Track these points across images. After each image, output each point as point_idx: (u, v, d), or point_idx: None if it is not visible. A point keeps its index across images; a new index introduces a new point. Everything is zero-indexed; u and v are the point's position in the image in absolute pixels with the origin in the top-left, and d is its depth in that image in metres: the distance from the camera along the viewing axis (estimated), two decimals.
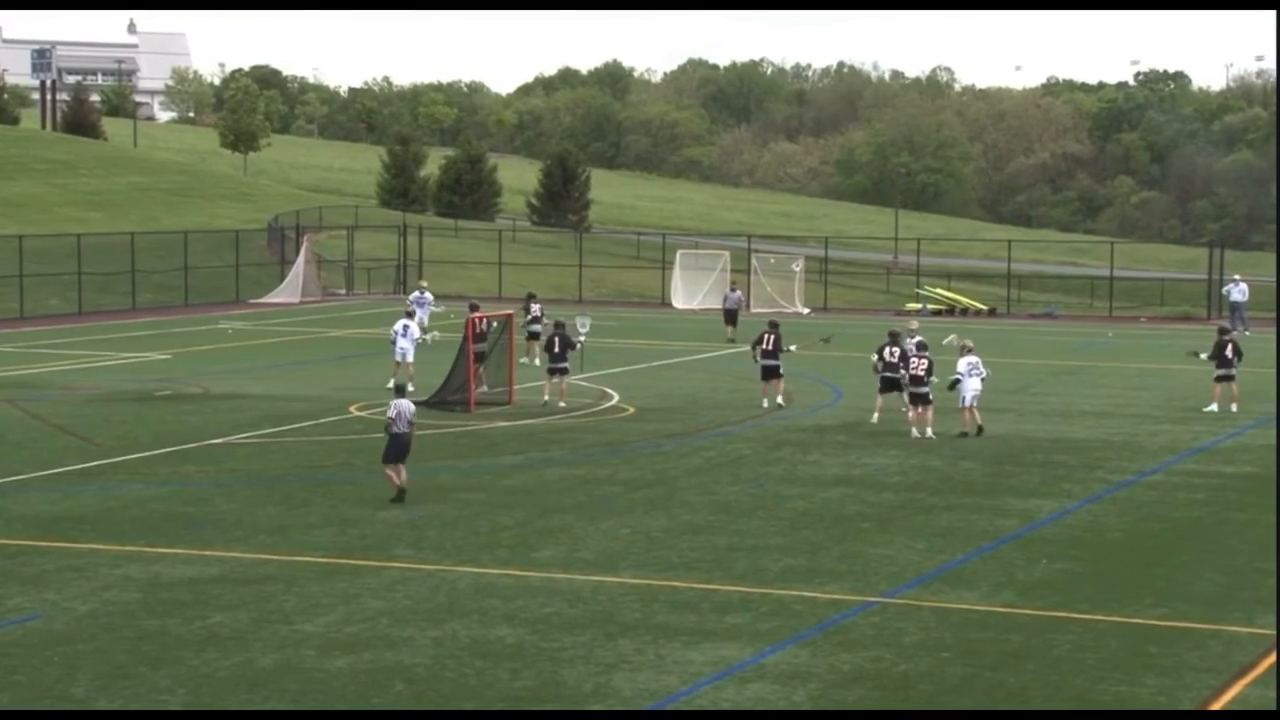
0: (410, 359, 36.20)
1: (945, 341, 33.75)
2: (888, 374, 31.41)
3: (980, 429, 30.13)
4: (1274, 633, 17.08)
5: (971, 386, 30.26)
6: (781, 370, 33.92)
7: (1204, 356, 34.57)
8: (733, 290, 52.65)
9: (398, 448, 23.78)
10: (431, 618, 17.42)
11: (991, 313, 63.51)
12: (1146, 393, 37.68)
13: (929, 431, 29.85)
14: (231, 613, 17.52)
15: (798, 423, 32.01)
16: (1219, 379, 34.02)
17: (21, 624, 17.05)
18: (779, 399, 33.59)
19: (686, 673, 15.61)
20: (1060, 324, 59.42)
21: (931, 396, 29.99)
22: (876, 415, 31.44)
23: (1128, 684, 15.41)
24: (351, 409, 33.15)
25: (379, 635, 16.75)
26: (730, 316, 50.55)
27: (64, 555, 20.14)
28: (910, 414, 30.30)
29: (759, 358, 33.88)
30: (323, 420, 31.70)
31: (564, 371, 33.96)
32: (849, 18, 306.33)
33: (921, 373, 30.06)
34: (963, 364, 30.42)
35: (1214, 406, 33.66)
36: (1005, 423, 31.89)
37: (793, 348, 34.60)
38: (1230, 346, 33.94)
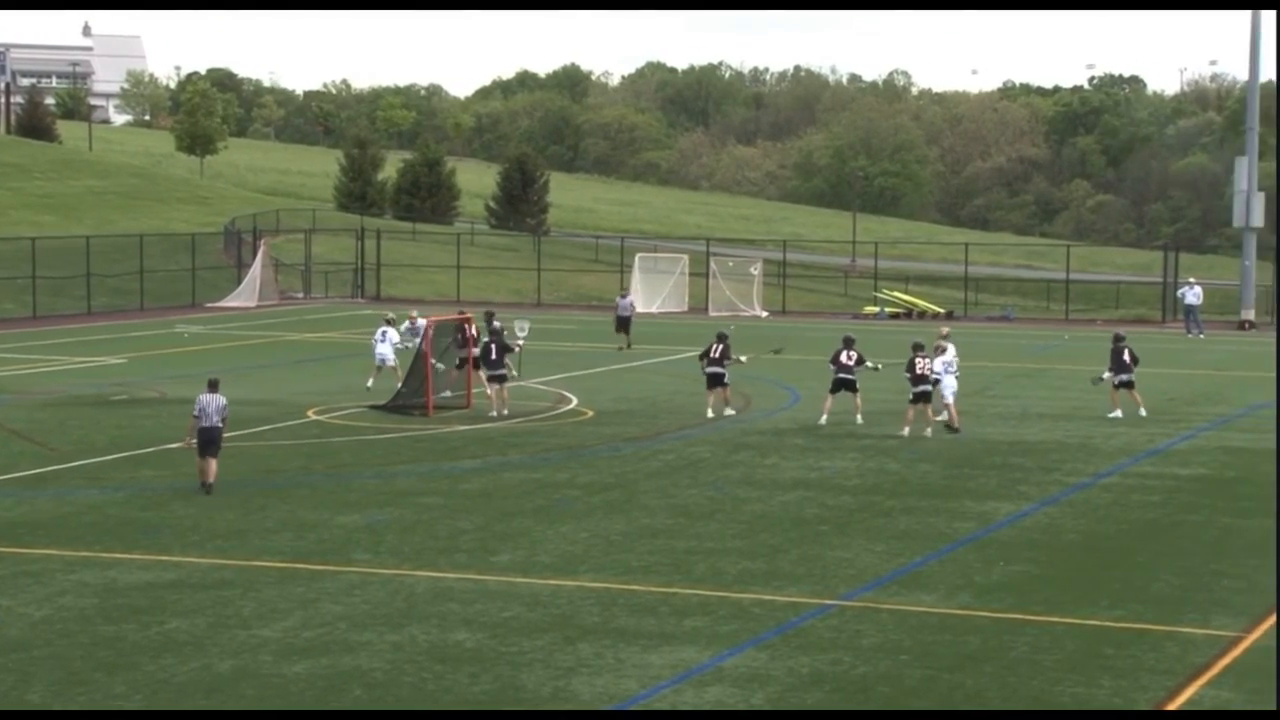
0: (392, 363, 36.49)
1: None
2: (842, 375, 31.78)
3: (954, 428, 30.84)
4: (1230, 634, 17.21)
5: (950, 384, 31.08)
6: (727, 380, 33.30)
7: (1106, 375, 34.22)
8: (624, 297, 49.43)
9: (205, 442, 24.52)
10: (390, 622, 17.37)
11: (949, 315, 63.77)
12: (1102, 395, 37.88)
13: (929, 430, 30.74)
14: (188, 618, 17.43)
15: (756, 426, 32.06)
16: (1119, 385, 33.85)
17: None
18: (727, 409, 33.05)
19: (645, 676, 15.62)
20: (1017, 327, 59.73)
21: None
22: (825, 417, 31.60)
23: (1084, 685, 15.49)
24: (309, 413, 33.03)
25: (337, 640, 16.69)
26: (622, 324, 47.69)
27: (18, 561, 19.99)
28: (910, 412, 30.99)
29: (706, 367, 33.40)
30: (280, 424, 31.57)
31: (502, 379, 33.31)
32: (807, 23, 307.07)
33: (928, 371, 30.87)
34: (938, 363, 31.00)
35: (1118, 413, 33.49)
36: (963, 425, 31.99)
37: (743, 359, 34.38)
38: (1127, 353, 34.02)
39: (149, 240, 64.23)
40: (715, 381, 33.15)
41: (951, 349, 31.90)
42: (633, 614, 17.85)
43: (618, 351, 45.45)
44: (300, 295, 67.78)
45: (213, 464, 24.55)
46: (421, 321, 37.30)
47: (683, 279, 66.31)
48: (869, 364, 32.34)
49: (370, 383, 36.17)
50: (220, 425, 24.63)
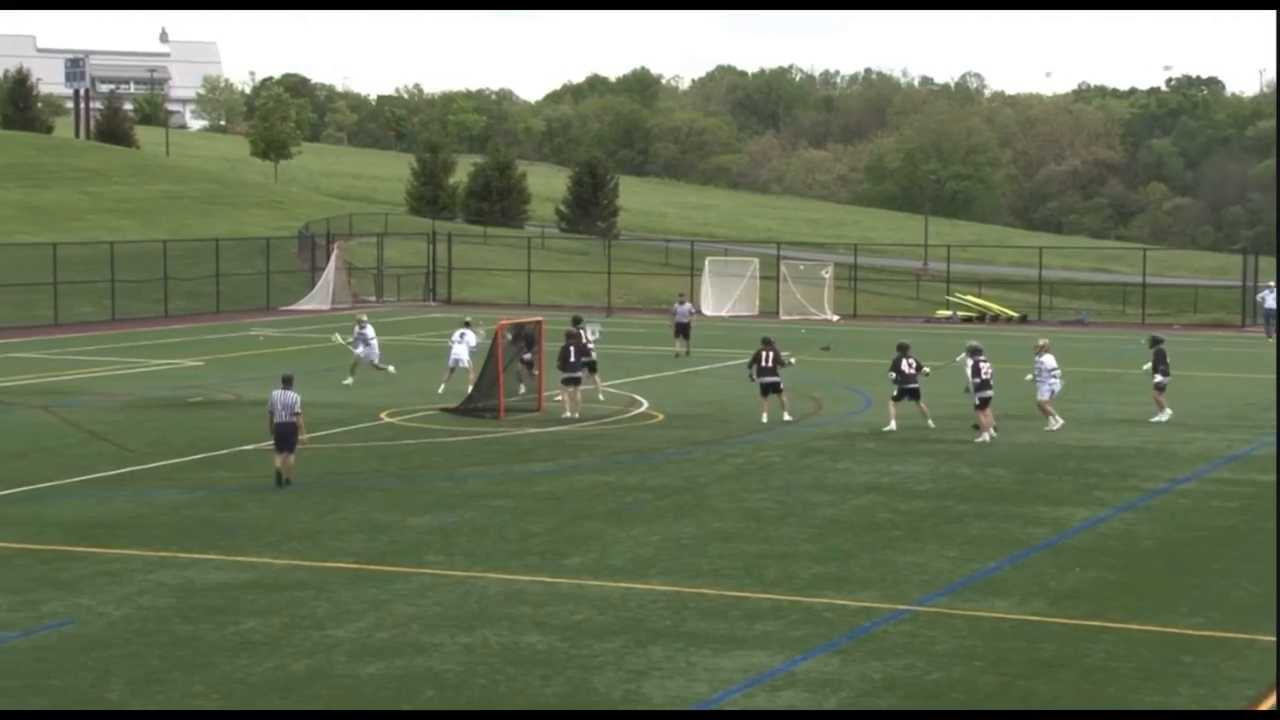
0: (466, 364, 36.67)
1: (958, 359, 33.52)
2: (907, 385, 31.61)
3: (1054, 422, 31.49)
4: None
5: (1048, 388, 31.72)
6: (782, 385, 33.12)
7: (1147, 368, 34.13)
8: (681, 303, 47.72)
9: (279, 437, 25.22)
10: (462, 624, 17.44)
11: (1022, 320, 63.32)
12: (1180, 400, 37.46)
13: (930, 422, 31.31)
14: (264, 618, 17.58)
15: (826, 430, 31.95)
16: (1160, 387, 33.61)
17: (56, 629, 17.13)
18: (785, 414, 32.70)
19: (717, 680, 15.60)
20: (1092, 331, 59.21)
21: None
22: (894, 424, 31.42)
23: (1162, 694, 15.33)
24: (382, 416, 33.23)
25: (409, 641, 16.78)
26: (681, 329, 46.51)
27: (98, 560, 20.23)
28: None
29: (756, 375, 32.95)
30: (353, 427, 31.78)
31: (575, 381, 33.39)
32: (878, 24, 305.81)
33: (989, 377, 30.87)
34: (1049, 360, 31.71)
35: (1163, 415, 33.37)
36: (1037, 430, 31.78)
37: (792, 360, 34.26)
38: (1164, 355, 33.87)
39: (224, 244, 64.84)
40: (771, 389, 32.88)
41: (1050, 357, 31.99)
42: (704, 618, 17.83)
43: (675, 357, 44.91)
44: (373, 299, 68.18)
45: (289, 459, 25.16)
46: (369, 331, 38.78)
47: (753, 282, 66.19)
48: (925, 369, 32.34)
49: (441, 387, 36.34)
50: (292, 421, 25.16)
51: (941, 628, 17.50)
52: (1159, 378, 33.65)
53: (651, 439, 30.72)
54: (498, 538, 21.83)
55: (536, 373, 34.36)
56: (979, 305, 66.20)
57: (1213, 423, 33.54)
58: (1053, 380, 31.94)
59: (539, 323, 36.09)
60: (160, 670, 15.74)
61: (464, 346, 37.09)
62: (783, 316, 63.33)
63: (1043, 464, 28.16)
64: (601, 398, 35.58)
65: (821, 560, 20.62)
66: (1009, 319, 63.44)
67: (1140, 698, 15.20)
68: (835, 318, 63.38)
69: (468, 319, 39.54)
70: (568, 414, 32.79)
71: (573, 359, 33.30)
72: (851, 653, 16.55)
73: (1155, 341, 34.36)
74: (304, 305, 63.65)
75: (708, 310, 64.13)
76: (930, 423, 31.54)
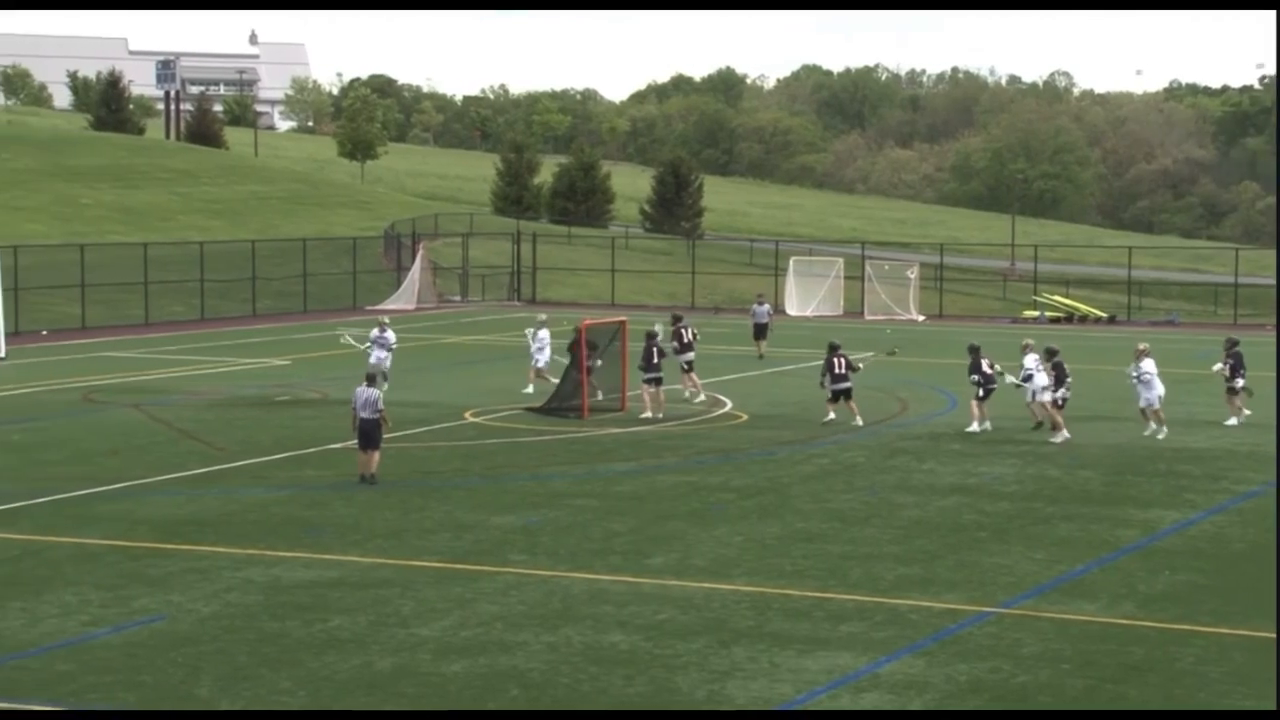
0: (543, 364, 36.81)
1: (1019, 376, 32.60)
2: (990, 385, 31.43)
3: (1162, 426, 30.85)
4: None
5: (1153, 391, 30.84)
6: (852, 390, 32.54)
7: (1219, 368, 33.63)
8: (760, 303, 47.14)
9: (361, 434, 25.35)
10: (545, 623, 17.50)
11: (1111, 320, 62.66)
12: (1272, 402, 36.93)
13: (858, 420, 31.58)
14: (350, 616, 17.72)
15: (912, 430, 31.77)
16: (1234, 390, 33.23)
17: (147, 625, 17.36)
18: (856, 419, 32.03)
19: (800, 681, 15.55)
20: (1182, 332, 58.47)
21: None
22: (977, 424, 31.21)
23: (1254, 699, 15.12)
24: (466, 415, 33.39)
25: (494, 640, 16.85)
26: (759, 331, 46.10)
27: (187, 558, 20.48)
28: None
29: (830, 383, 32.34)
30: (437, 426, 31.95)
31: (658, 381, 33.28)
32: (966, 23, 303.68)
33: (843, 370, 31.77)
34: (1147, 365, 30.91)
35: (1235, 419, 32.99)
36: (1126, 431, 31.44)
37: (861, 365, 34.02)
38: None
39: (311, 244, 65.43)
40: (843, 394, 32.46)
41: (1151, 361, 31.07)
42: (787, 618, 17.78)
43: (759, 359, 44.44)
44: (457, 298, 68.55)
45: (374, 456, 25.36)
46: (390, 335, 36.96)
47: (837, 282, 65.93)
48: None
49: (529, 388, 36.36)
50: (373, 418, 25.32)
51: (1028, 630, 17.35)
52: (1240, 381, 33.12)
53: (735, 439, 30.68)
54: (581, 537, 21.87)
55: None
56: (1067, 305, 65.57)
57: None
58: (1155, 385, 30.91)
59: (622, 322, 36.12)
60: (248, 667, 15.91)
61: (539, 346, 37.18)
62: (867, 316, 63.05)
63: (1132, 466, 27.85)
64: (702, 397, 35.41)
65: (906, 561, 20.51)
66: (1097, 319, 62.79)
67: (1232, 702, 15.00)
68: (920, 318, 63.00)
69: (541, 317, 39.48)
70: (648, 414, 32.80)
71: (655, 359, 33.23)
72: (936, 655, 16.45)
73: (1232, 344, 33.71)
74: (389, 305, 64.03)
75: (792, 310, 63.95)
76: (858, 420, 31.76)
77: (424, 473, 26.83)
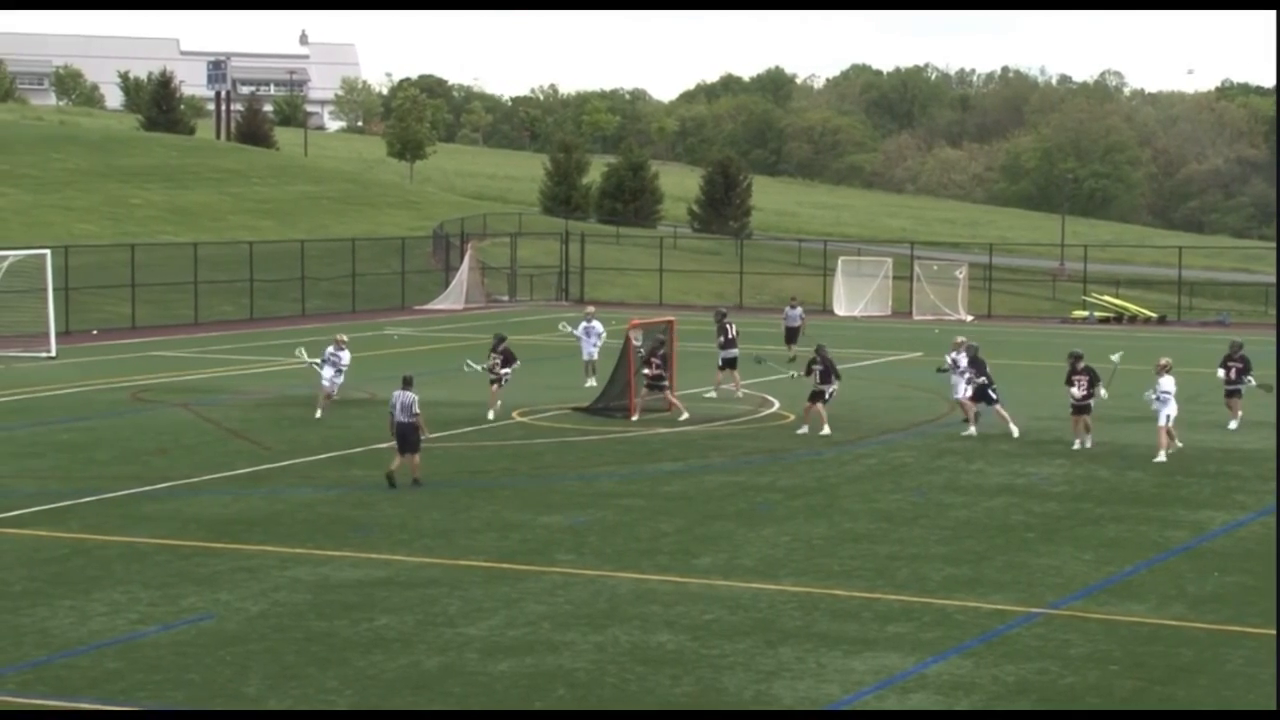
0: (594, 357, 37.74)
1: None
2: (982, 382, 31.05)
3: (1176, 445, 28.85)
4: None
5: (1171, 406, 28.63)
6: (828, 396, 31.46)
7: (1255, 383, 32.69)
8: (793, 307, 46.92)
9: (398, 438, 25.31)
10: (592, 623, 17.51)
11: (1161, 320, 62.25)
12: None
13: (1089, 441, 29.36)
14: (397, 615, 17.78)
15: (960, 431, 31.62)
16: (1240, 393, 32.41)
17: (195, 624, 17.46)
18: (825, 428, 30.93)
19: (848, 681, 15.52)
20: (1233, 332, 57.96)
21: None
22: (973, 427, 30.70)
23: None
24: (514, 415, 33.45)
25: (541, 639, 16.88)
26: (791, 334, 46.03)
27: (236, 556, 20.60)
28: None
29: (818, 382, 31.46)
30: (485, 426, 32.02)
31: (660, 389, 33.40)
32: (1016, 22, 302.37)
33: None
34: (1165, 383, 28.55)
35: (1235, 423, 32.21)
36: (1176, 432, 31.18)
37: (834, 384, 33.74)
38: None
39: (360, 244, 65.72)
40: (818, 398, 31.25)
41: (1170, 379, 28.83)
42: (835, 619, 17.74)
43: (790, 361, 42.66)
44: (506, 298, 68.70)
45: (414, 460, 25.35)
46: (345, 355, 33.75)
47: (886, 282, 65.77)
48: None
49: (592, 381, 36.78)
50: (409, 421, 25.28)
51: (1076, 631, 17.26)
52: (1251, 381, 32.39)
53: (782, 439, 30.63)
54: (628, 537, 21.89)
55: (666, 385, 33.74)
56: (1116, 306, 65.18)
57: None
58: (1167, 403, 28.52)
59: (670, 322, 36.11)
60: (296, 666, 15.99)
61: (589, 341, 38.06)
62: (915, 316, 62.85)
63: (1181, 467, 27.66)
64: (740, 393, 35.67)
65: (954, 562, 20.43)
66: (1147, 320, 62.38)
67: None
68: (969, 318, 62.75)
69: (589, 309, 40.02)
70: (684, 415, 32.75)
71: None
72: (984, 655, 16.38)
73: (1238, 346, 32.86)
74: (438, 305, 64.31)
75: (840, 310, 63.82)
76: (827, 429, 30.71)
77: (471, 472, 26.90)
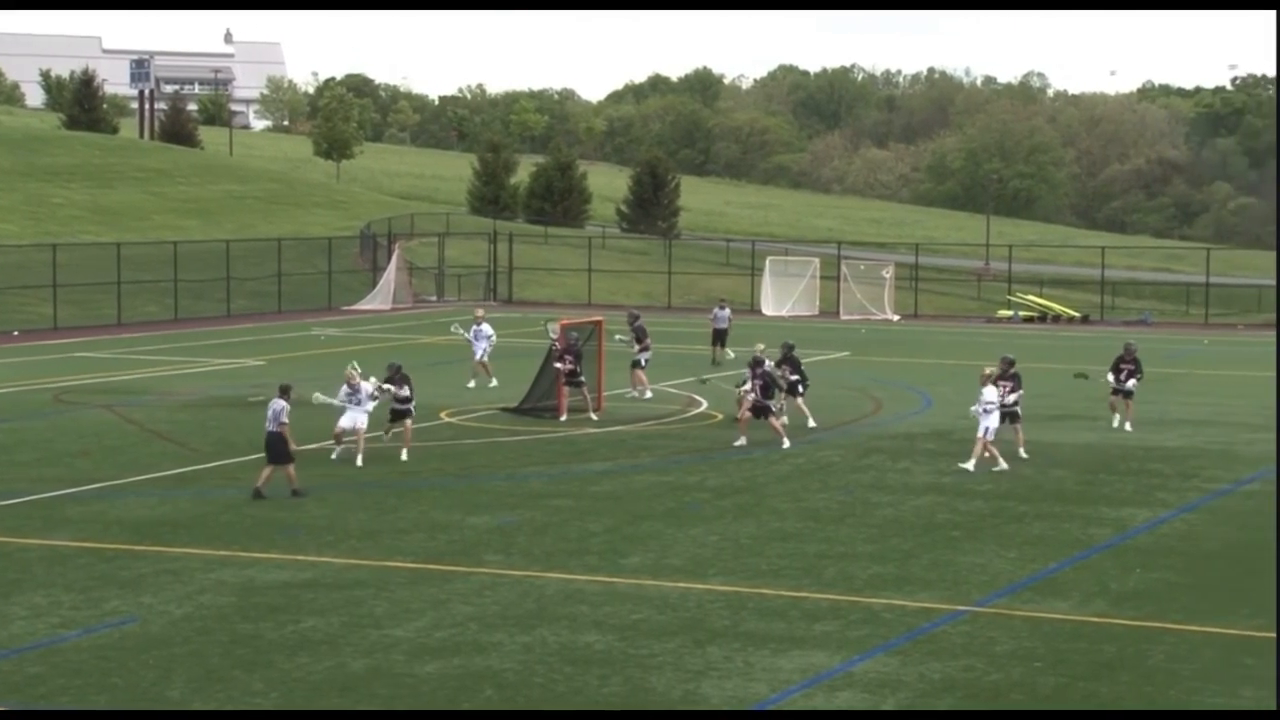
0: (484, 359, 38.16)
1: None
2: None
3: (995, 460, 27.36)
4: None
5: (994, 418, 27.21)
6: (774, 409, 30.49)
7: (1110, 378, 32.17)
8: (721, 308, 45.71)
9: (265, 448, 24.43)
10: (520, 623, 17.48)
11: (1084, 320, 62.88)
12: (1243, 401, 37.15)
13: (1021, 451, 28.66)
14: (323, 617, 17.68)
15: (887, 430, 31.83)
16: (1119, 393, 32.01)
17: (118, 627, 17.29)
18: (740, 439, 29.91)
19: (775, 680, 15.57)
20: (1155, 331, 58.71)
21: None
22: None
23: (1224, 696, 15.19)
24: (442, 415, 33.34)
25: (468, 640, 16.83)
26: (718, 336, 44.70)
27: (159, 559, 20.40)
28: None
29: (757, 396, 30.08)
30: (414, 426, 31.86)
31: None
32: (941, 23, 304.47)
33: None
34: (989, 393, 27.25)
35: (1119, 420, 32.02)
36: (1099, 430, 31.55)
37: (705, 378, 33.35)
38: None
39: (287, 244, 65.28)
40: (763, 411, 29.84)
41: (992, 389, 27.48)
42: (762, 618, 17.80)
43: (713, 364, 42.79)
44: (433, 298, 68.47)
45: (286, 470, 24.18)
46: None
47: (813, 282, 66.09)
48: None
49: (472, 383, 37.05)
50: (275, 431, 24.19)
51: (1001, 628, 17.41)
52: (1132, 382, 31.94)
53: (711, 439, 30.70)
54: (557, 537, 21.87)
55: (583, 380, 33.73)
56: (1040, 305, 65.80)
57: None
58: (991, 414, 27.23)
59: (598, 323, 36.12)
60: (221, 669, 15.86)
61: (481, 344, 38.26)
62: (843, 316, 63.18)
63: (1104, 465, 27.96)
64: (648, 395, 35.67)
65: (881, 560, 20.55)
66: (1070, 319, 63.00)
67: (1202, 700, 15.06)
68: (896, 318, 63.16)
69: (479, 312, 40.16)
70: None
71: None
72: (910, 653, 16.49)
73: (1131, 349, 32.50)
74: (365, 305, 64.00)
75: (768, 310, 64.05)
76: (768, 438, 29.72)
77: (399, 473, 26.78)
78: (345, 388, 27.51)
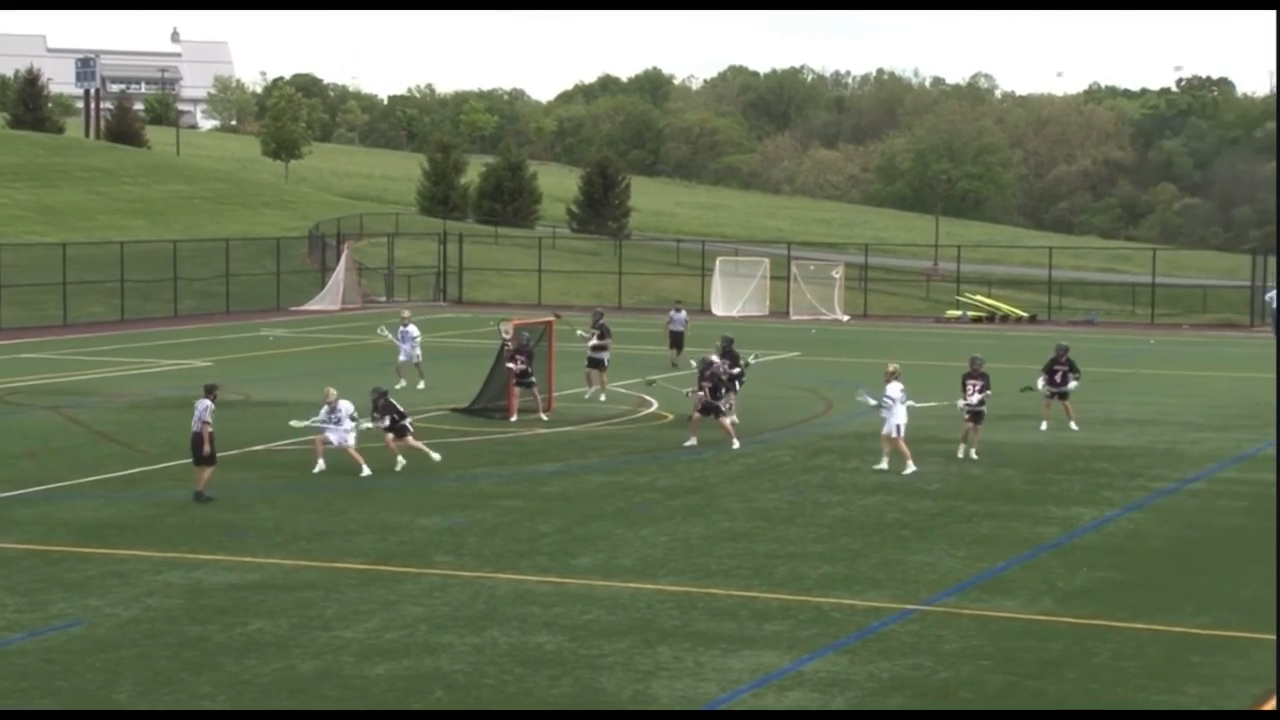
0: (415, 359, 38.27)
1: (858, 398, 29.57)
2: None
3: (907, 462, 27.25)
4: None
5: (899, 415, 27.20)
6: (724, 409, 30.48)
7: (1040, 385, 32.09)
8: (677, 310, 44.88)
9: (191, 448, 24.16)
10: (471, 624, 17.46)
11: (1032, 320, 63.28)
12: (1189, 400, 37.49)
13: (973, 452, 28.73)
14: (272, 619, 17.60)
15: (837, 430, 31.95)
16: (1054, 396, 31.94)
17: (64, 630, 17.16)
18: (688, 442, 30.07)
19: (725, 680, 15.61)
20: (1101, 331, 59.14)
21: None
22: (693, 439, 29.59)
23: (1169, 693, 15.33)
24: None
25: (418, 642, 16.80)
26: (676, 339, 43.89)
27: (107, 561, 20.27)
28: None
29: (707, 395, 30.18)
30: (363, 427, 31.72)
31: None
32: (890, 24, 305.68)
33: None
34: (892, 389, 27.26)
35: (1046, 424, 31.85)
36: (1047, 431, 31.74)
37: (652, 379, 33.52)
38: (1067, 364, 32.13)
39: (234, 244, 64.94)
40: (711, 411, 29.91)
41: (897, 385, 27.42)
42: (713, 617, 17.84)
43: (673, 367, 42.16)
44: (383, 299, 68.26)
45: (203, 473, 23.90)
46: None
47: (764, 283, 66.25)
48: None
49: (402, 383, 37.04)
50: (197, 431, 23.93)
51: (950, 627, 17.50)
52: (1073, 384, 32.07)
53: (661, 439, 30.74)
54: (507, 538, 21.85)
55: (533, 381, 33.68)
56: (988, 305, 66.16)
57: (1221, 423, 33.51)
58: (898, 411, 27.13)
59: (549, 323, 36.11)
60: (168, 671, 15.77)
61: (407, 345, 38.19)
62: (793, 316, 63.34)
63: (1052, 464, 28.14)
64: (603, 397, 35.74)
65: (830, 560, 20.63)
66: (1018, 319, 63.38)
67: (1147, 697, 15.20)
68: (846, 318, 63.37)
69: (405, 313, 40.14)
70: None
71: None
72: (860, 652, 16.56)
73: (1064, 350, 32.42)
74: (314, 305, 63.73)
75: (718, 310, 64.15)
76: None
77: (349, 474, 26.67)
78: (325, 408, 27.06)
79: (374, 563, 20.31)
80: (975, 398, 28.63)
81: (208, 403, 24.21)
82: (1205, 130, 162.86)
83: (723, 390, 30.23)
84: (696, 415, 29.73)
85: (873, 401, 27.75)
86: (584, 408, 34.83)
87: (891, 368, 27.99)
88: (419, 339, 38.84)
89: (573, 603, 18.39)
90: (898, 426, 27.13)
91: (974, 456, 28.38)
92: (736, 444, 29.32)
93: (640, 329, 53.87)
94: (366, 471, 26.45)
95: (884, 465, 27.25)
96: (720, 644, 16.78)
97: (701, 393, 29.67)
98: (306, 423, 27.37)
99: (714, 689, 15.35)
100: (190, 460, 24.59)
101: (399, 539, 21.72)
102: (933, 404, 30.27)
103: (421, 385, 37.46)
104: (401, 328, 38.69)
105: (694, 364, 40.30)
